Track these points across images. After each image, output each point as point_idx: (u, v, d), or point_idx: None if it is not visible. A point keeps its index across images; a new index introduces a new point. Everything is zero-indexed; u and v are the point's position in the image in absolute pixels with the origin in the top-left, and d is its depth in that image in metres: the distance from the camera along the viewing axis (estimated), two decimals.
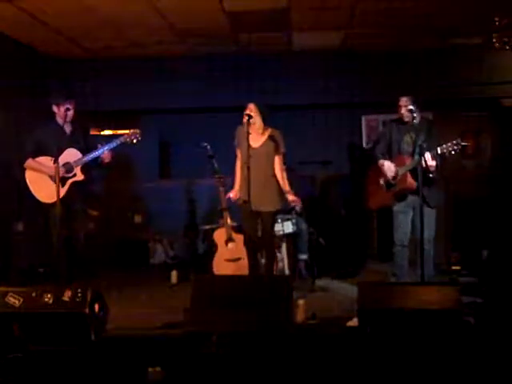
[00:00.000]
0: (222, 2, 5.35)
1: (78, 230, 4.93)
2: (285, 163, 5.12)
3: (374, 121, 7.35)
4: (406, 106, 4.68)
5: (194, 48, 6.86)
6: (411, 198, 4.72)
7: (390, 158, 4.88)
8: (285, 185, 4.97)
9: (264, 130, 4.95)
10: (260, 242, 5.01)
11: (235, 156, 5.09)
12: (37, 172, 4.85)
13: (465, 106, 7.20)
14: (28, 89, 6.48)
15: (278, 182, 4.97)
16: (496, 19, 5.24)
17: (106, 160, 4.90)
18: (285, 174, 5.00)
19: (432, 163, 4.47)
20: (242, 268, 5.16)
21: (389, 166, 4.82)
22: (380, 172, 4.90)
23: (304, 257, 5.96)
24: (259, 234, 5.09)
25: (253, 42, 6.70)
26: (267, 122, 4.96)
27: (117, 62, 7.16)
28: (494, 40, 5.38)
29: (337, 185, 7.22)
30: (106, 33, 6.17)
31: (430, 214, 4.60)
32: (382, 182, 4.91)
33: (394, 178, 4.78)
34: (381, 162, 4.87)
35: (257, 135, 4.95)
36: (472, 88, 6.95)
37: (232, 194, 5.09)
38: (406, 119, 4.76)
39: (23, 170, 4.91)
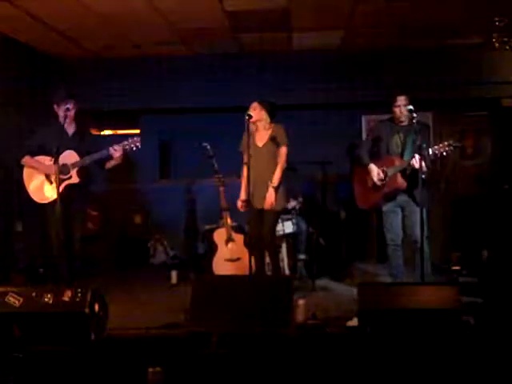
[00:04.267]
0: (222, 2, 5.35)
1: (76, 230, 4.90)
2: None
3: (373, 121, 7.34)
4: (405, 106, 4.63)
5: (194, 48, 6.86)
6: (400, 198, 4.72)
7: (379, 158, 4.85)
8: (275, 178, 4.87)
9: (270, 125, 4.97)
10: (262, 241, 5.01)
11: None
12: (33, 170, 4.82)
13: (465, 105, 7.20)
14: (28, 89, 6.48)
15: (281, 181, 4.94)
16: (496, 19, 5.24)
17: (113, 162, 4.85)
18: (280, 169, 4.89)
19: (422, 164, 4.39)
20: (242, 268, 5.16)
21: (377, 172, 4.79)
22: (367, 173, 4.88)
23: (304, 257, 5.96)
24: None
25: (253, 42, 6.70)
26: (273, 117, 4.97)
27: (117, 62, 7.16)
28: (494, 40, 5.39)
29: (337, 185, 7.22)
30: (106, 33, 6.17)
31: (419, 213, 4.57)
32: (369, 183, 4.88)
33: (382, 180, 4.75)
34: (370, 166, 4.83)
35: (263, 131, 4.97)
36: (472, 88, 6.95)
37: (238, 204, 5.04)
38: (402, 119, 4.72)
39: (21, 167, 4.87)
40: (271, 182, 4.85)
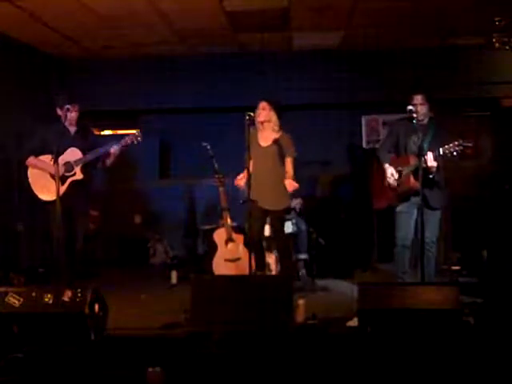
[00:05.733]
0: (222, 2, 5.35)
1: (78, 229, 4.94)
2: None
3: (374, 121, 7.35)
4: (422, 104, 4.62)
5: (194, 48, 6.87)
6: (415, 199, 4.69)
7: (396, 157, 4.83)
8: (291, 172, 4.84)
9: (279, 129, 4.91)
10: (272, 242, 5.00)
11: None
12: (38, 170, 4.89)
13: (465, 105, 7.19)
14: (28, 88, 6.48)
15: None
16: (496, 19, 5.24)
17: (112, 159, 4.93)
18: (291, 172, 4.89)
19: (433, 164, 4.43)
20: (242, 268, 5.15)
21: (392, 173, 4.77)
22: (384, 172, 4.86)
23: (304, 257, 5.96)
24: (266, 233, 5.09)
25: (253, 42, 6.70)
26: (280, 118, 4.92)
27: (117, 62, 7.17)
28: (494, 40, 5.38)
29: (337, 185, 7.22)
30: (105, 33, 6.18)
31: (433, 216, 4.57)
32: (386, 183, 4.87)
33: (397, 184, 4.73)
34: (386, 166, 4.81)
35: (270, 132, 4.92)
36: (472, 88, 6.95)
37: (237, 181, 4.90)
38: (421, 117, 4.66)
39: (25, 167, 4.94)
40: (286, 176, 4.78)
